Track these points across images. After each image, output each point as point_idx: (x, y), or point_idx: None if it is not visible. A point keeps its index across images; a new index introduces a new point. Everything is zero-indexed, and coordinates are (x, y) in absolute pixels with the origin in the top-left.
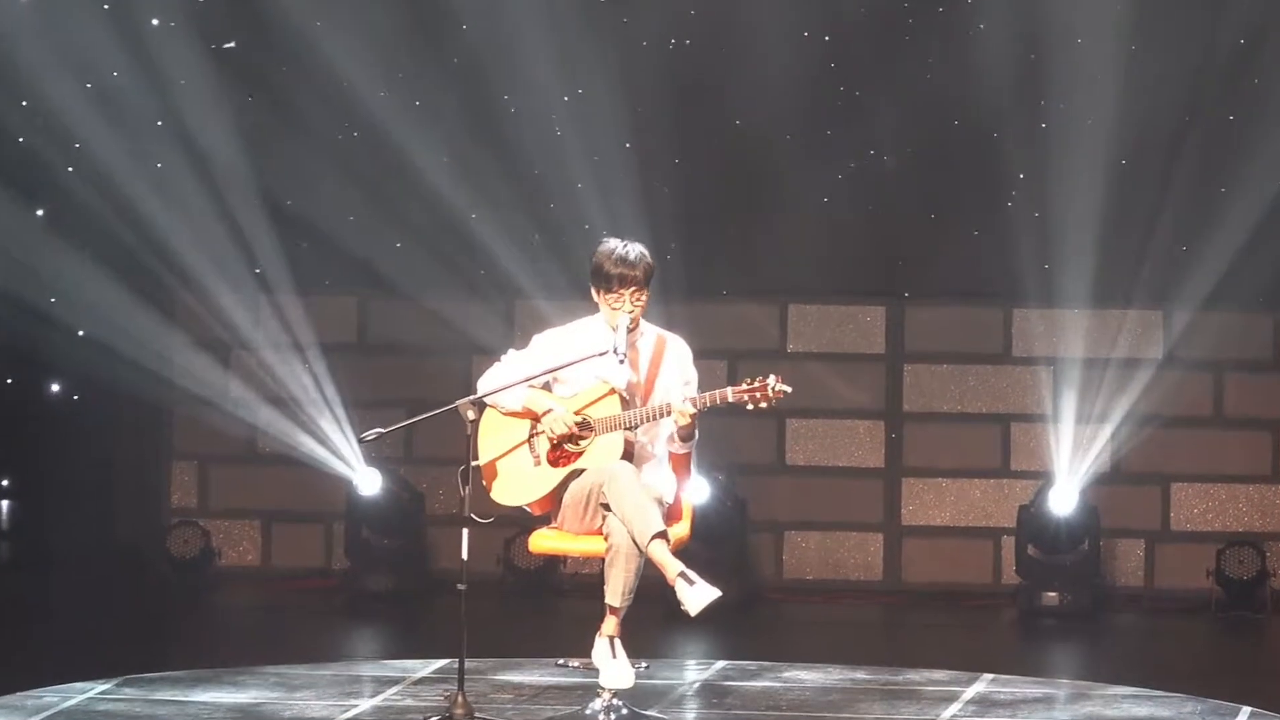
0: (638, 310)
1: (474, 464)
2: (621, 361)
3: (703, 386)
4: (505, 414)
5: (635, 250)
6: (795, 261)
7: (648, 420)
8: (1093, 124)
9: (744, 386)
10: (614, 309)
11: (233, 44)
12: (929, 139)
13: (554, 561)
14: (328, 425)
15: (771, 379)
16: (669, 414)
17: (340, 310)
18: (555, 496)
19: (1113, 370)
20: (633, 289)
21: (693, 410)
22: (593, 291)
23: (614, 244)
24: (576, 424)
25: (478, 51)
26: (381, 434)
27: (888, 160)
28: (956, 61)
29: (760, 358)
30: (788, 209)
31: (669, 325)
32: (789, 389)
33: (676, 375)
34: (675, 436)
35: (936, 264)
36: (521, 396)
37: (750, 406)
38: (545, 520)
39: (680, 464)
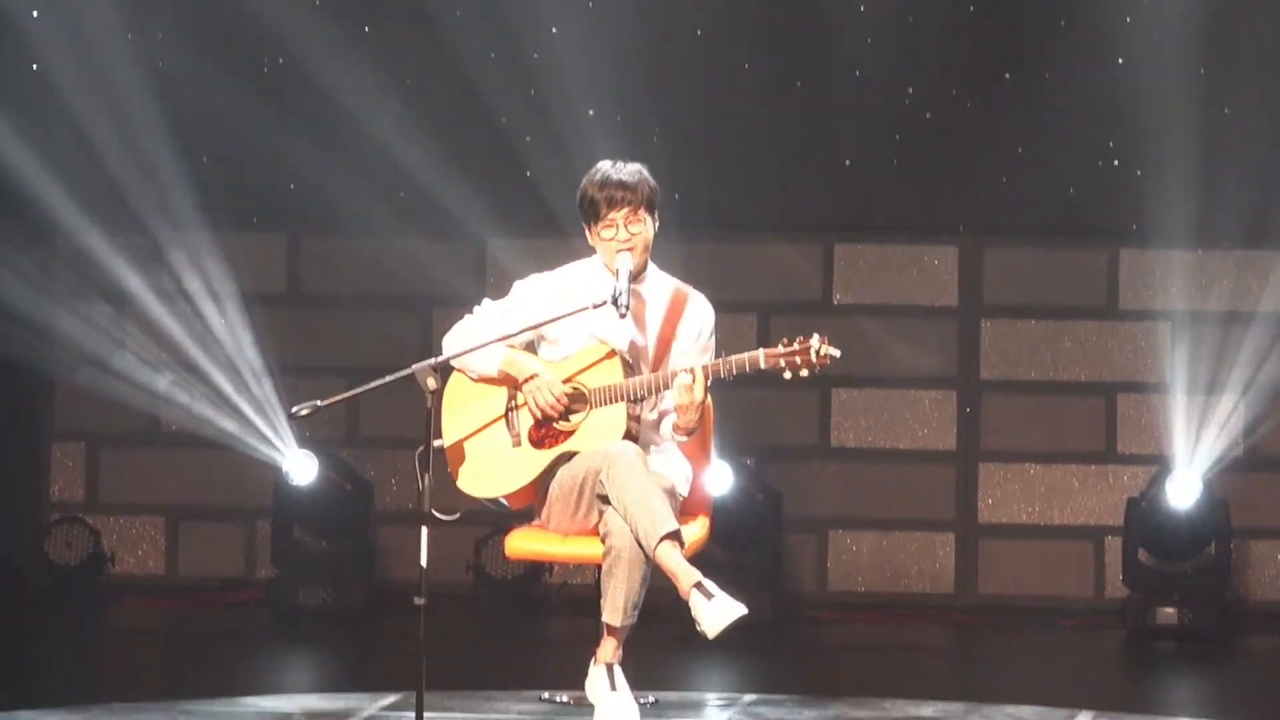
0: (636, 239)
1: (436, 445)
2: (624, 315)
3: (728, 347)
4: (476, 380)
5: (629, 167)
6: (844, 191)
7: (657, 391)
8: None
9: (779, 349)
10: (607, 242)
11: None
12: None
13: (537, 569)
14: (250, 398)
15: (815, 340)
16: (668, 387)
17: (266, 252)
18: (539, 486)
19: (1250, 328)
20: (625, 210)
21: (689, 382)
22: (585, 231)
23: (604, 165)
24: (567, 394)
25: None
26: (318, 408)
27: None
28: None
29: (799, 311)
30: (835, 128)
31: (689, 276)
32: (836, 352)
33: (694, 341)
34: (674, 424)
35: (1023, 193)
36: (498, 358)
37: (788, 374)
38: (527, 516)
39: (697, 446)
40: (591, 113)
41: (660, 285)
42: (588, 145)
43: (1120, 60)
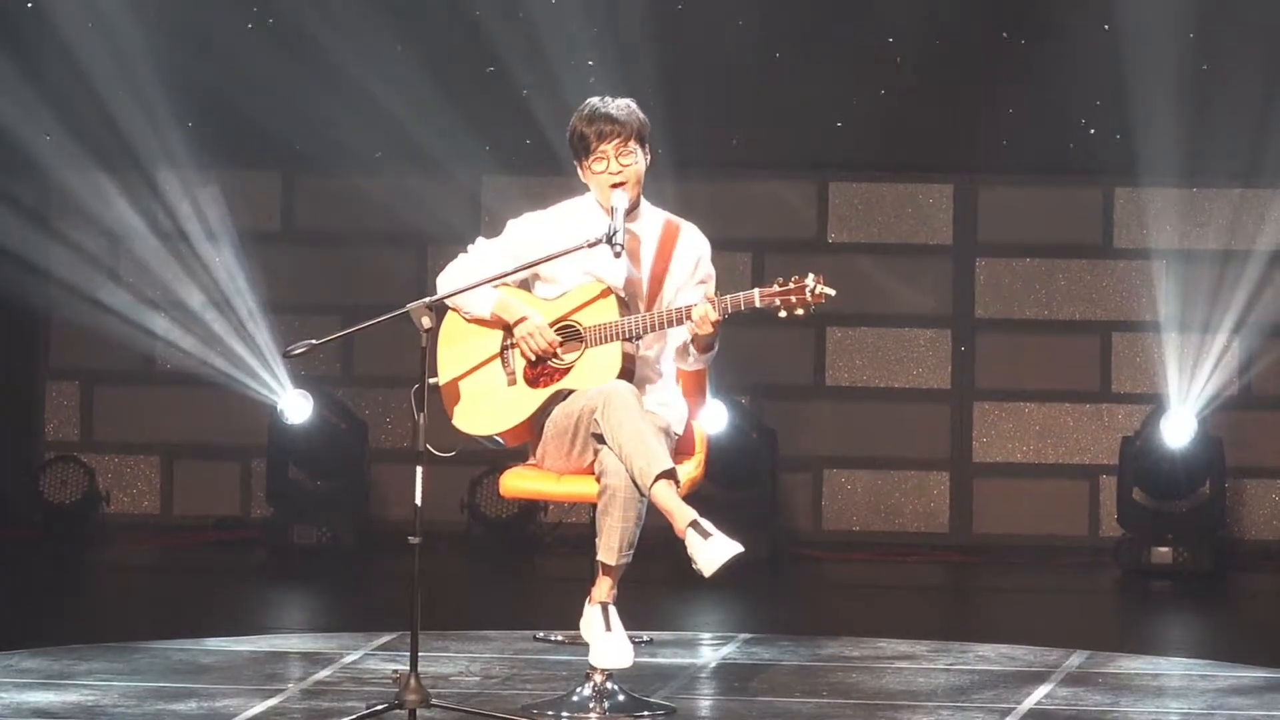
0: (627, 171)
1: (431, 383)
2: (618, 254)
3: (722, 288)
4: (470, 321)
5: (618, 101)
6: (838, 129)
7: (653, 329)
8: None
9: (775, 288)
10: (598, 175)
11: None
12: None
13: (532, 508)
14: (244, 336)
15: (810, 279)
16: (685, 321)
17: (260, 190)
18: (534, 424)
19: (1245, 266)
20: (615, 142)
21: (715, 316)
22: (577, 168)
23: (593, 100)
24: (560, 340)
25: None
26: (313, 346)
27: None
28: None
29: (793, 249)
30: (829, 66)
31: (684, 214)
32: (832, 291)
33: (689, 273)
34: (689, 348)
35: (1018, 131)
36: (491, 299)
37: (783, 314)
38: (522, 455)
39: (693, 384)
40: (590, 62)
41: (652, 220)
42: (581, 81)
43: None
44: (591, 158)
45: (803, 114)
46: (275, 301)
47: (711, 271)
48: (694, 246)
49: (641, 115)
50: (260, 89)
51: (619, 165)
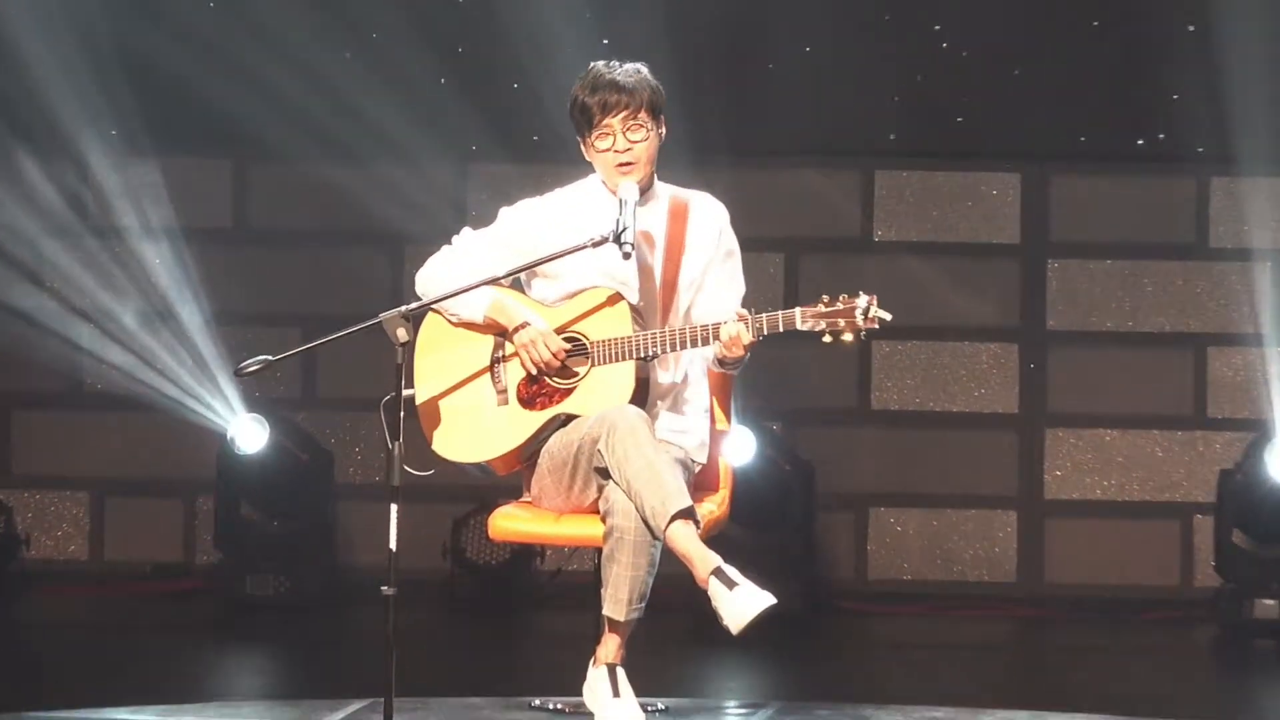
0: (637, 148)
1: (407, 395)
2: (628, 255)
3: (751, 294)
4: (457, 325)
5: (626, 66)
6: (886, 108)
7: (673, 348)
8: None
9: (820, 308)
10: (603, 154)
11: None
12: None
13: (526, 554)
14: (190, 352)
15: (862, 299)
16: (711, 340)
17: (209, 180)
18: (529, 453)
19: None
20: (623, 114)
21: (748, 338)
22: (580, 145)
23: (597, 65)
24: (565, 348)
25: None
26: (269, 363)
27: None
28: None
29: (834, 250)
30: (877, 34)
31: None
32: (888, 316)
33: (712, 248)
34: (715, 361)
35: (1096, 110)
36: (485, 299)
37: (828, 338)
38: (514, 491)
39: (718, 394)
40: (588, 15)
41: (656, 200)
42: (585, 48)
43: None
44: (595, 133)
45: (844, 89)
46: (225, 311)
47: (735, 245)
48: (710, 215)
49: (653, 82)
50: (209, 60)
51: (627, 141)
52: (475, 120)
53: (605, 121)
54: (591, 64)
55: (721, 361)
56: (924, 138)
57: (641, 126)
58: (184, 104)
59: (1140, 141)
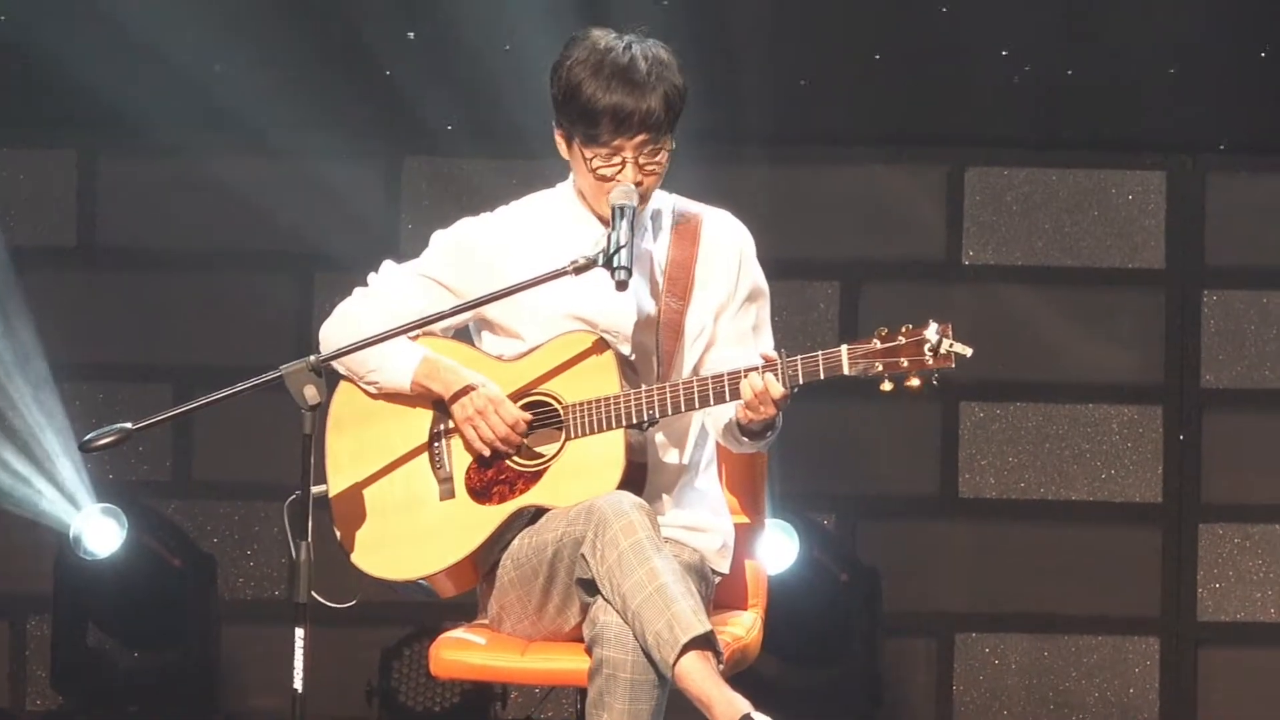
0: (649, 182)
1: (318, 492)
2: (623, 284)
3: (796, 334)
4: (378, 396)
5: (646, 54)
6: (979, 88)
7: (677, 409)
8: None
9: (875, 344)
10: (599, 177)
11: None
12: None
13: (482, 696)
14: (18, 419)
15: (932, 330)
16: (730, 397)
17: (44, 177)
18: (484, 563)
19: None
20: (640, 137)
21: (779, 390)
22: (559, 139)
23: (600, 41)
24: (526, 418)
25: None
26: (128, 433)
27: None
28: None
29: (909, 276)
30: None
31: (733, 214)
32: (967, 351)
33: (730, 284)
34: (735, 432)
35: (1263, 90)
36: (413, 359)
37: (887, 385)
38: (467, 612)
39: (743, 476)
40: None
41: (660, 217)
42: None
43: None
44: (594, 147)
45: (921, 64)
46: (68, 361)
47: (762, 282)
48: (729, 241)
49: (677, 81)
50: (48, 19)
51: (639, 173)
52: (419, 96)
53: (615, 142)
54: (591, 32)
55: (746, 429)
56: (1033, 123)
57: (659, 150)
58: (15, 78)
59: None
